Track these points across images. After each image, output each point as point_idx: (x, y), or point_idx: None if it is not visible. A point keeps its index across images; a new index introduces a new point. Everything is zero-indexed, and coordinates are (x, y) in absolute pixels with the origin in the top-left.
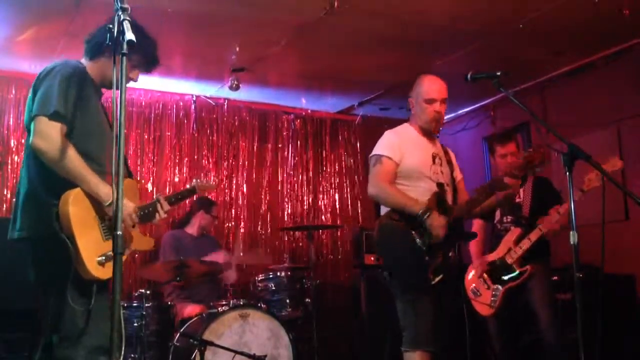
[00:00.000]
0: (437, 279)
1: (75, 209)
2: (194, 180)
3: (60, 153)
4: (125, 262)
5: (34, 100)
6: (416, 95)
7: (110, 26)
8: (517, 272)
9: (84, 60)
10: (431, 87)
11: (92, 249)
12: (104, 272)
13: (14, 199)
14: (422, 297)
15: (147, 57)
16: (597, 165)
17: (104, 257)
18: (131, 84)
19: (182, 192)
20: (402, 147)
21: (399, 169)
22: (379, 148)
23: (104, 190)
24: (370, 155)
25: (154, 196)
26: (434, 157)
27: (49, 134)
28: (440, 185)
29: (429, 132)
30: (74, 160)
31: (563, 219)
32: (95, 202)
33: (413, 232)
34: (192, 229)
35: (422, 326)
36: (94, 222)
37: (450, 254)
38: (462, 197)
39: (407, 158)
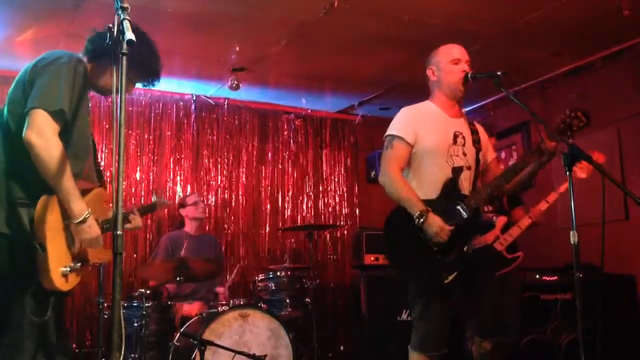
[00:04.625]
0: (451, 277)
1: (51, 216)
2: (154, 198)
3: (52, 155)
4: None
5: (31, 86)
6: (437, 62)
7: (110, 26)
8: (508, 259)
9: (82, 56)
10: (453, 49)
11: (58, 260)
12: (66, 284)
13: None
14: (434, 301)
15: (144, 72)
16: (597, 165)
17: (68, 269)
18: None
19: (145, 207)
20: (417, 126)
21: (413, 151)
22: (392, 127)
23: (79, 207)
24: (384, 135)
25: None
26: (455, 137)
27: (48, 133)
28: (456, 170)
29: (455, 105)
30: (62, 167)
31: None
32: (65, 213)
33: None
34: (188, 228)
35: (432, 331)
36: (62, 232)
37: (465, 248)
38: (492, 177)
39: (423, 138)
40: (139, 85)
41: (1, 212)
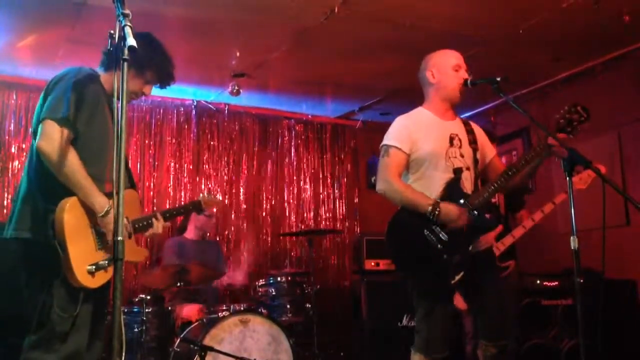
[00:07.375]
0: (457, 278)
1: (70, 216)
2: (201, 195)
3: (62, 157)
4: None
5: (44, 105)
6: (437, 65)
7: (112, 32)
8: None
9: (99, 70)
10: (453, 55)
11: (83, 258)
12: (93, 281)
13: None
14: (438, 304)
15: (161, 74)
16: (597, 171)
17: (94, 266)
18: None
19: (185, 206)
20: (413, 134)
21: (411, 159)
22: (388, 137)
23: (99, 201)
24: (380, 145)
25: (153, 211)
26: (451, 139)
27: (54, 138)
28: (456, 171)
29: (449, 108)
30: (75, 167)
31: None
32: (91, 211)
33: (426, 231)
34: (190, 234)
35: (435, 333)
36: (88, 231)
37: (470, 248)
38: (496, 175)
39: (420, 145)
40: (155, 85)
41: (28, 220)
